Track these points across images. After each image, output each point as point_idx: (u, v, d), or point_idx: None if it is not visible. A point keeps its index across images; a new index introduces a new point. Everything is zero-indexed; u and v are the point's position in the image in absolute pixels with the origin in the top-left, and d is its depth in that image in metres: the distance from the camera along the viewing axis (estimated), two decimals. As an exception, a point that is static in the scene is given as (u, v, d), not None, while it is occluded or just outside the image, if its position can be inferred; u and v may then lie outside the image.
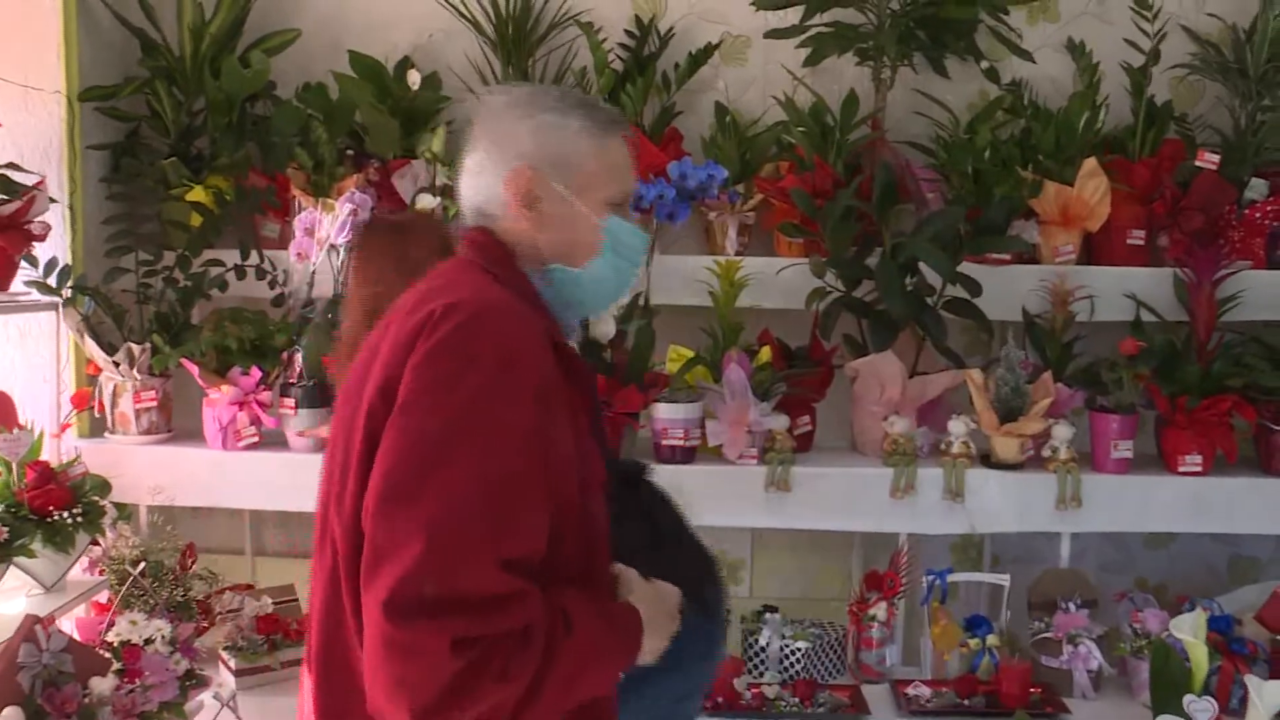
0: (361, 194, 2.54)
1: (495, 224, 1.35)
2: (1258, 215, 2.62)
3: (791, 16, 2.77)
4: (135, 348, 2.56)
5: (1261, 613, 2.47)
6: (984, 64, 2.82)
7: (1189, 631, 2.30)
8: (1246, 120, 2.75)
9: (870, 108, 2.79)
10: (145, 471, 2.58)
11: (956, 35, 2.79)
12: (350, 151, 2.81)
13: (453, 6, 2.86)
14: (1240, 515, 2.52)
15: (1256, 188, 2.66)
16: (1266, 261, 2.64)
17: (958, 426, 2.45)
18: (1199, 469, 2.49)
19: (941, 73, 2.82)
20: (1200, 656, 2.24)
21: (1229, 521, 2.54)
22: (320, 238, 2.57)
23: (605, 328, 2.48)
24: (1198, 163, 2.65)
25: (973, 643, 2.46)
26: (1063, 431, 2.45)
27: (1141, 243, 2.67)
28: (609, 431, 2.46)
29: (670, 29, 2.92)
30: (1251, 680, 2.13)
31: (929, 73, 2.83)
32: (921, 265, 2.52)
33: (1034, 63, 2.80)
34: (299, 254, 2.56)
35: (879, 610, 2.47)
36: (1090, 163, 2.62)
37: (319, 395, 2.54)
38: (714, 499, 2.42)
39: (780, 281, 2.63)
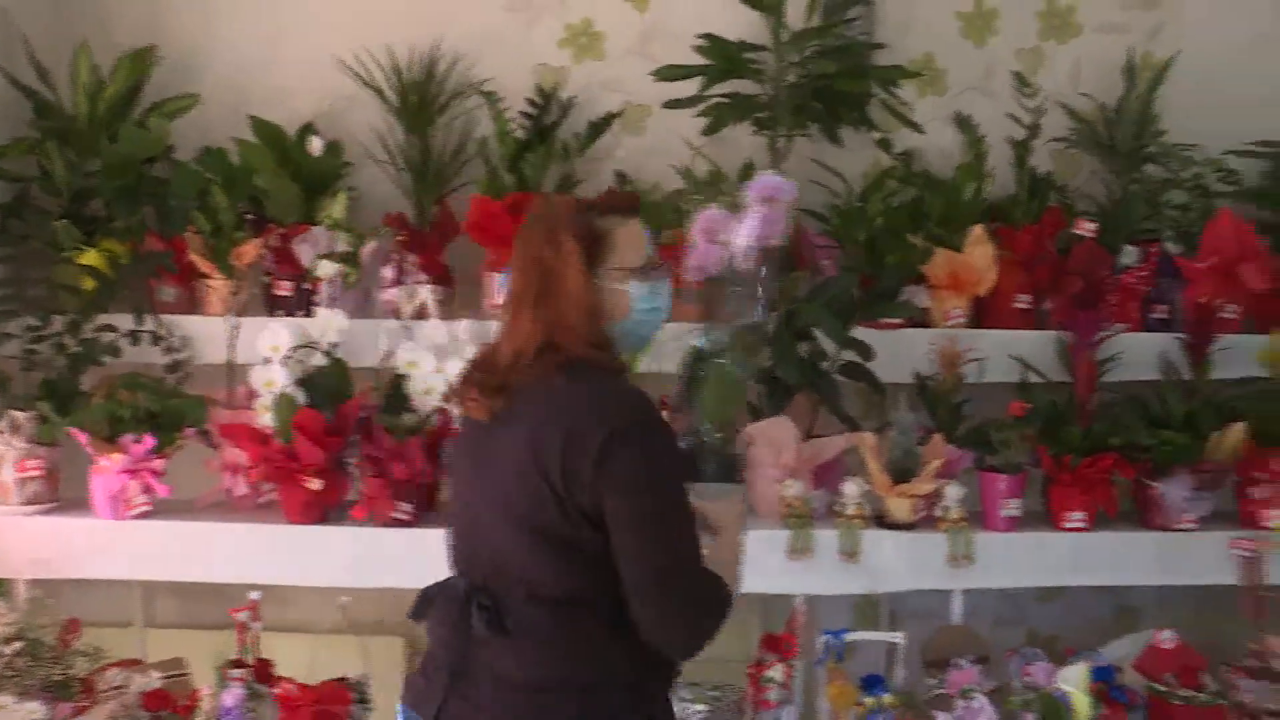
0: (777, 179, 2.06)
1: None
2: (1132, 280, 2.74)
3: (690, 87, 2.85)
4: (18, 415, 2.50)
5: (1139, 661, 2.55)
6: (877, 135, 2.93)
7: (1073, 683, 2.38)
8: (1120, 191, 2.89)
9: (767, 177, 2.86)
10: (26, 543, 2.50)
11: (849, 107, 2.88)
12: (250, 216, 2.79)
13: (356, 74, 2.89)
14: (1122, 568, 2.60)
15: (1130, 254, 2.78)
16: (1141, 324, 2.76)
17: (852, 488, 2.50)
18: (1083, 525, 2.57)
19: (836, 142, 2.91)
20: (1083, 707, 2.32)
21: (1112, 574, 2.62)
22: (729, 241, 2.10)
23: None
24: (1077, 231, 2.77)
25: (869, 701, 2.48)
26: (954, 491, 2.51)
27: (1027, 307, 2.77)
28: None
29: (572, 98, 2.97)
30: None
31: (825, 142, 2.92)
32: (816, 331, 2.58)
33: (924, 134, 2.92)
34: (698, 266, 2.08)
35: (776, 672, 2.48)
36: (978, 230, 2.72)
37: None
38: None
39: (679, 347, 2.67)
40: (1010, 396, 2.62)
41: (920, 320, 2.74)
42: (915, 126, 2.88)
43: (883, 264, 2.68)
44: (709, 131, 2.87)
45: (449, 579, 1.76)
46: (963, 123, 2.93)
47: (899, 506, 2.51)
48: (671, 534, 1.59)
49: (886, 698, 2.49)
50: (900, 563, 2.53)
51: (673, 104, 2.87)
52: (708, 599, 1.62)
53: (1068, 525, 2.57)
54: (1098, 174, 2.97)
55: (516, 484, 1.63)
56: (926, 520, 2.56)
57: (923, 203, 2.81)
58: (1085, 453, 2.50)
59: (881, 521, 2.55)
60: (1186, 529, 2.58)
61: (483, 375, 1.69)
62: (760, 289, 1.98)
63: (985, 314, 2.77)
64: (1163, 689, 2.48)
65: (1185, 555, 2.59)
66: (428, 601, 1.76)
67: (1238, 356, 2.68)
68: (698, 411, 1.96)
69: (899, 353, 2.65)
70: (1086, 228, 2.74)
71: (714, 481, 1.91)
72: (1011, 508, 2.56)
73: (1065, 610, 3.02)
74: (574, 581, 1.62)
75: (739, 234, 1.94)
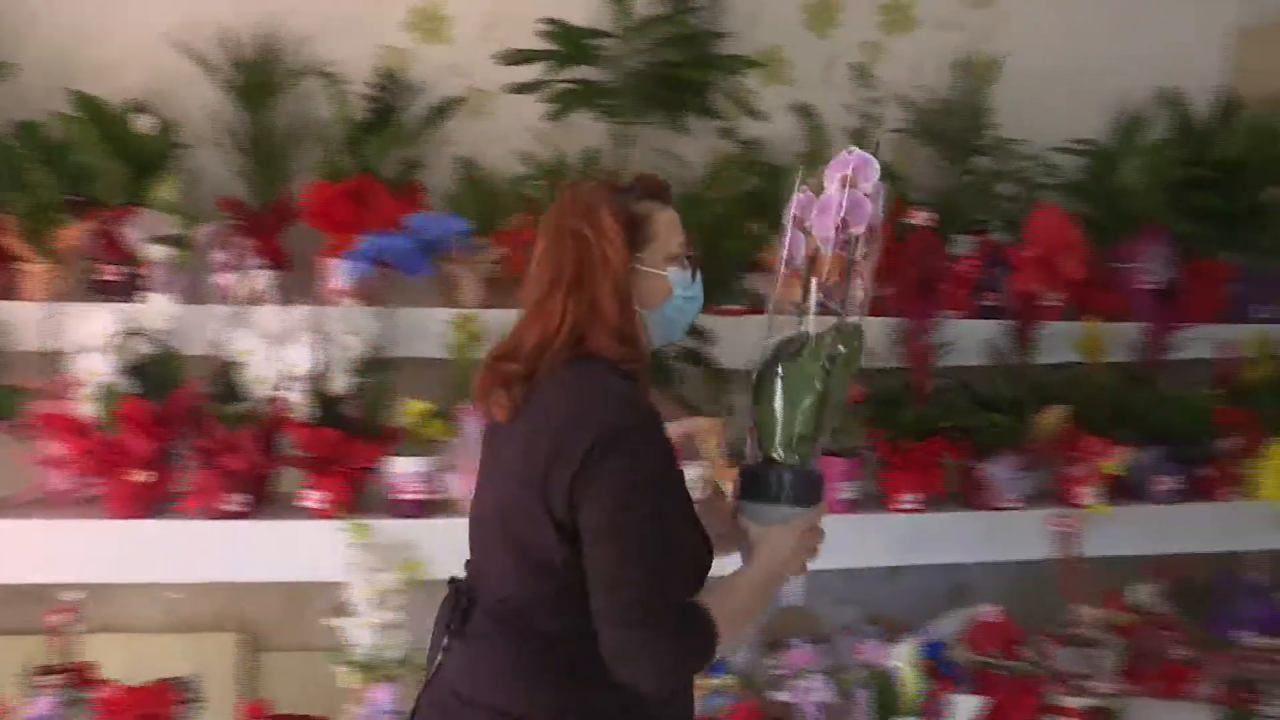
0: (853, 155, 1.70)
1: None
2: (964, 269, 2.84)
3: (536, 72, 2.83)
4: None
5: (965, 636, 2.65)
6: (721, 123, 2.96)
7: (903, 660, 2.45)
8: (954, 182, 2.99)
9: (612, 163, 2.87)
10: None
11: (694, 95, 2.91)
12: (74, 198, 2.67)
13: (189, 50, 2.78)
14: (953, 546, 2.70)
15: (962, 243, 2.87)
16: (972, 311, 2.85)
17: (691, 473, 2.51)
18: (916, 506, 2.65)
19: (680, 130, 2.93)
20: (911, 682, 2.39)
21: (944, 553, 2.72)
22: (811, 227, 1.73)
23: (338, 382, 2.44)
24: (912, 220, 2.84)
25: (709, 683, 2.52)
26: (790, 475, 2.56)
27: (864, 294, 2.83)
28: (346, 487, 2.44)
29: (416, 82, 2.92)
30: (950, 698, 2.30)
31: (670, 130, 2.93)
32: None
33: (768, 122, 2.96)
34: (786, 256, 1.75)
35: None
36: (816, 218, 2.77)
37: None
38: (456, 553, 2.41)
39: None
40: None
41: (760, 307, 2.77)
42: (758, 115, 2.92)
43: (723, 251, 2.71)
44: (554, 118, 2.86)
45: (456, 578, 1.70)
46: (804, 112, 2.98)
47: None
48: (650, 556, 1.46)
49: (726, 679, 2.54)
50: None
51: (517, 89, 2.85)
52: (685, 637, 1.48)
53: (901, 507, 2.65)
54: (933, 165, 3.06)
55: (507, 487, 1.58)
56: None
57: (764, 191, 2.85)
58: (918, 436, 2.57)
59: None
60: (1011, 507, 2.69)
61: (506, 367, 1.60)
62: (847, 283, 1.67)
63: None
64: (986, 660, 2.59)
65: (1010, 532, 2.70)
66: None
67: (1058, 342, 2.81)
68: (770, 423, 1.68)
69: (740, 338, 2.68)
70: (922, 217, 2.82)
71: (777, 504, 1.65)
72: (848, 490, 2.62)
73: (902, 590, 3.11)
74: (538, 601, 1.52)
75: (819, 220, 1.66)
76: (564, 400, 1.53)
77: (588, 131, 2.91)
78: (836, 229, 1.66)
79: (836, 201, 1.65)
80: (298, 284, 2.75)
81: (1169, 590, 2.98)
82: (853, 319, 1.69)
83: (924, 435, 2.57)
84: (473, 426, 2.44)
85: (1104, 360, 2.84)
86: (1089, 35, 3.32)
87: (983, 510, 2.70)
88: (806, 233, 1.71)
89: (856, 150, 1.69)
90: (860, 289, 1.69)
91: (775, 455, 1.69)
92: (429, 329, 2.61)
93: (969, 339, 2.78)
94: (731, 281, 2.70)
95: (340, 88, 2.79)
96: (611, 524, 1.46)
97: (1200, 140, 3.27)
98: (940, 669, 2.58)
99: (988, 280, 2.88)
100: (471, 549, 1.67)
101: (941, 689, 2.53)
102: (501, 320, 2.65)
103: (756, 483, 1.69)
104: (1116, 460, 2.67)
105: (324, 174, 2.74)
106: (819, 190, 1.70)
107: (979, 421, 2.60)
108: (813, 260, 1.70)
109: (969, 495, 2.72)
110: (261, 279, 2.63)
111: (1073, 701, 2.61)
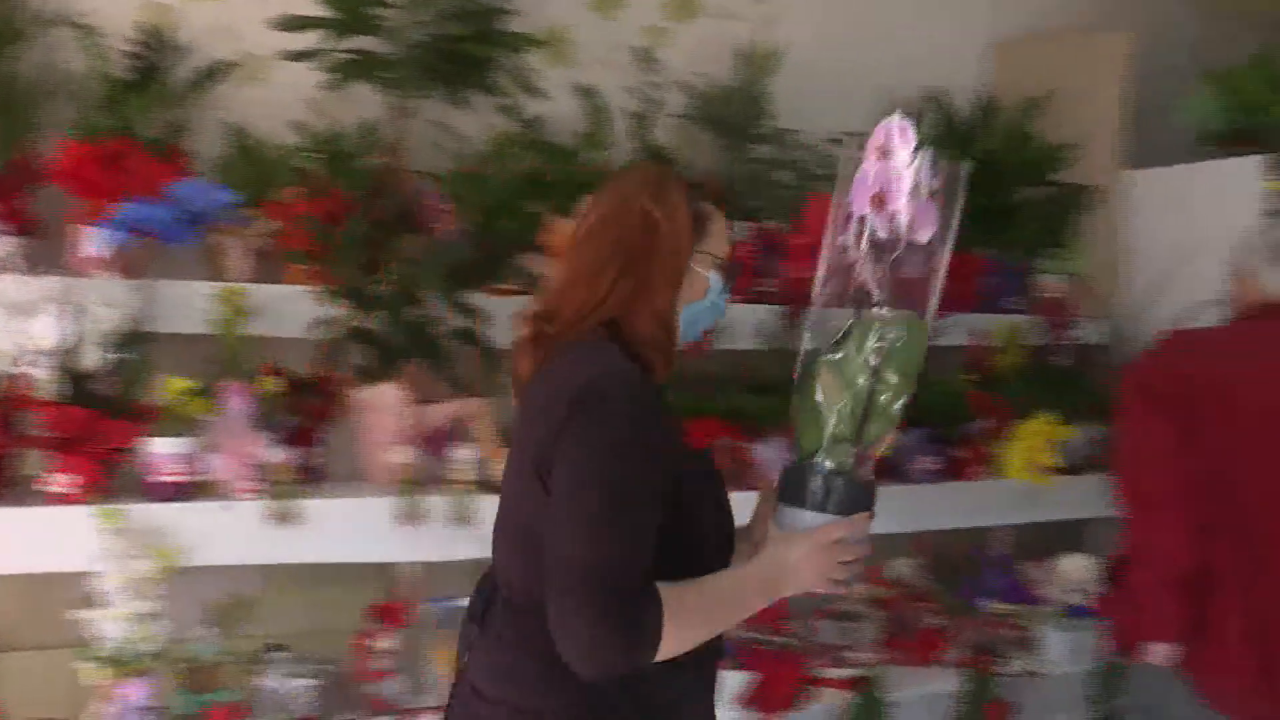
0: (895, 123, 1.50)
1: None
2: (742, 255, 2.90)
3: (313, 39, 2.73)
4: None
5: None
6: (503, 100, 2.92)
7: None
8: (734, 169, 3.05)
9: (391, 136, 2.80)
10: None
11: (476, 70, 2.86)
12: None
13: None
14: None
15: (739, 229, 2.93)
16: (747, 295, 2.92)
17: (463, 454, 2.50)
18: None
19: (461, 106, 2.88)
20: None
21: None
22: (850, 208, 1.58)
23: (90, 357, 2.30)
24: (689, 205, 2.88)
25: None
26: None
27: (640, 277, 2.86)
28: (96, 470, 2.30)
29: (184, 41, 2.77)
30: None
31: (451, 105, 2.88)
32: (430, 295, 2.55)
33: (550, 101, 2.94)
34: (840, 246, 1.59)
35: (385, 641, 2.46)
36: (596, 200, 2.78)
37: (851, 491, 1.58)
38: (216, 536, 2.32)
39: (292, 310, 2.56)
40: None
41: (537, 287, 2.77)
42: (540, 94, 2.90)
43: (500, 230, 2.69)
44: (331, 87, 2.76)
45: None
46: (587, 94, 2.99)
47: (511, 471, 2.53)
48: (596, 523, 1.38)
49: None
50: (514, 527, 2.56)
51: (292, 56, 2.74)
52: (620, 617, 1.36)
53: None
54: (713, 152, 3.12)
55: (512, 463, 1.55)
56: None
57: (544, 171, 2.84)
58: (690, 417, 2.62)
59: (492, 486, 2.56)
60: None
61: (544, 327, 1.58)
62: (884, 270, 1.48)
63: (602, 283, 2.84)
64: (754, 636, 2.67)
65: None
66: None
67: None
68: (806, 421, 1.55)
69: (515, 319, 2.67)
70: (698, 203, 2.86)
71: (813, 510, 1.52)
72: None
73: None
74: (530, 582, 1.45)
75: (855, 197, 1.50)
76: (564, 373, 1.49)
77: (366, 103, 2.83)
78: (873, 206, 1.49)
79: (870, 174, 1.48)
80: (46, 252, 2.57)
81: (926, 564, 3.15)
82: (906, 310, 1.53)
83: (697, 416, 2.61)
84: (237, 405, 2.34)
85: (869, 345, 2.96)
86: (863, 34, 3.47)
87: (753, 490, 2.76)
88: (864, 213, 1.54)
89: (895, 117, 1.49)
90: (908, 275, 1.49)
91: (812, 456, 1.56)
92: (192, 303, 2.48)
93: (744, 323, 2.85)
94: (508, 261, 2.67)
95: (95, 40, 2.62)
96: (567, 485, 1.41)
97: (962, 139, 3.45)
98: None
99: (763, 266, 2.96)
100: (494, 535, 1.62)
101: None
102: (270, 294, 2.58)
103: (787, 484, 1.58)
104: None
105: (77, 133, 2.56)
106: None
107: (750, 404, 2.67)
108: (861, 244, 1.53)
109: (741, 475, 2.79)
110: (3, 245, 2.45)
111: (834, 672, 2.73)
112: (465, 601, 2.55)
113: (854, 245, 1.54)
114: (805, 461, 1.57)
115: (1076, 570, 3.19)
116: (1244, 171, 3.25)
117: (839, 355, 1.53)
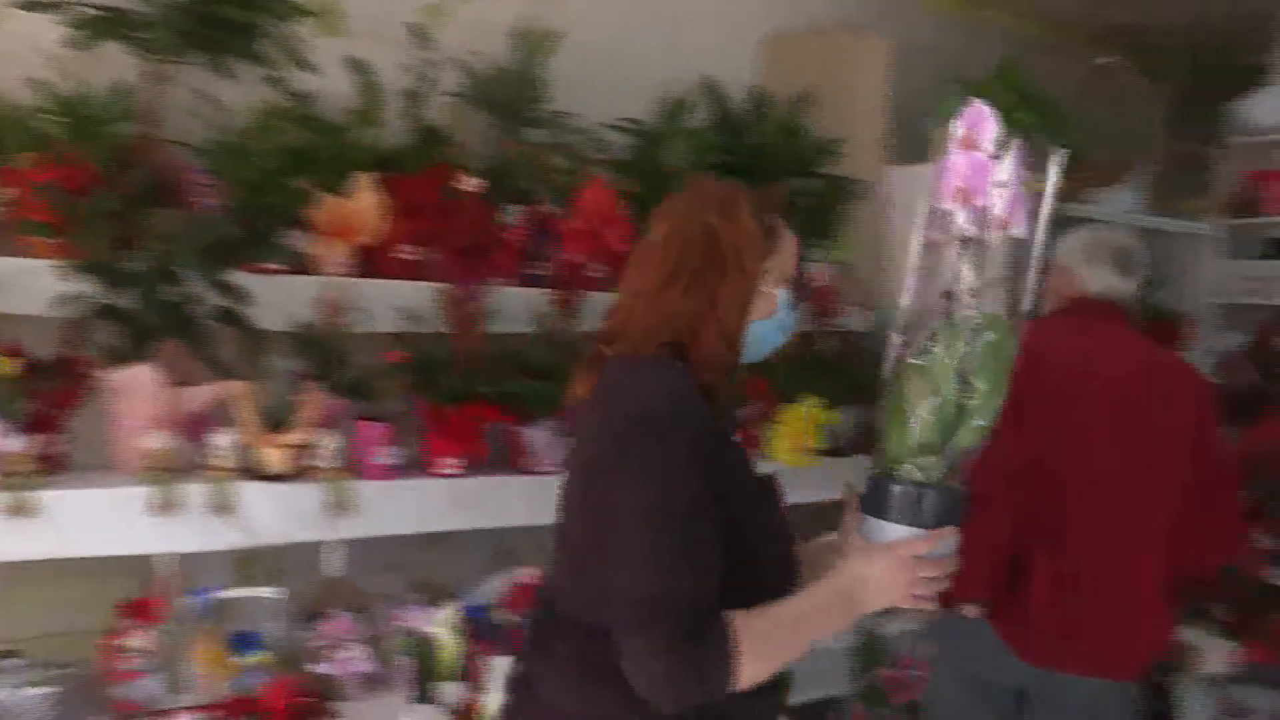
0: (979, 109, 1.42)
1: None
2: (513, 237, 2.88)
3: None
4: None
5: (506, 598, 2.72)
6: (270, 71, 2.79)
7: (444, 625, 2.47)
8: (506, 151, 3.03)
9: (146, 102, 2.63)
10: None
11: (238, 37, 2.72)
12: None
13: None
14: (496, 510, 2.74)
15: (512, 212, 2.92)
16: (520, 279, 2.91)
17: (222, 439, 2.38)
18: (458, 470, 2.66)
19: (223, 74, 2.73)
20: (450, 645, 2.41)
21: (488, 517, 2.75)
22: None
23: None
24: (463, 186, 2.84)
25: (241, 661, 2.41)
26: (330, 441, 2.49)
27: (412, 258, 2.80)
28: None
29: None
30: (488, 660, 2.35)
31: (214, 73, 2.73)
32: (187, 272, 2.42)
33: (318, 74, 2.83)
34: (928, 243, 1.46)
35: (138, 639, 2.32)
36: (366, 178, 2.70)
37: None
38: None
39: (32, 284, 2.37)
40: (393, 346, 2.64)
41: (303, 267, 2.67)
42: (308, 66, 2.79)
43: (265, 206, 2.57)
44: (76, 46, 2.57)
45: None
46: (358, 67, 2.89)
47: (272, 457, 2.44)
48: (658, 554, 1.36)
49: (260, 656, 2.43)
50: (277, 515, 2.46)
51: (31, 7, 2.53)
52: (689, 648, 1.35)
53: (443, 471, 2.65)
54: (488, 133, 3.08)
55: (568, 486, 1.55)
56: (304, 471, 2.51)
57: (312, 146, 2.74)
58: (460, 401, 2.59)
59: (255, 473, 2.46)
60: (551, 471, 2.77)
61: (604, 350, 1.58)
62: (972, 267, 1.39)
63: (371, 263, 2.76)
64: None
65: (551, 495, 2.76)
66: None
67: (601, 312, 2.91)
68: (890, 427, 1.49)
69: (279, 299, 2.56)
70: (471, 183, 2.83)
71: (897, 521, 1.47)
72: (389, 455, 2.59)
73: (447, 556, 3.13)
74: (591, 604, 1.46)
75: (937, 190, 1.42)
76: (616, 395, 1.49)
77: (117, 64, 2.65)
78: (958, 200, 1.40)
79: (952, 165, 1.41)
80: None
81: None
82: (993, 310, 1.44)
83: (467, 400, 2.58)
84: None
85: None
86: (641, 21, 3.50)
87: (525, 474, 2.76)
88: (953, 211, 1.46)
89: (976, 103, 1.42)
90: (999, 273, 1.40)
91: (895, 466, 1.50)
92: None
93: (516, 306, 2.83)
94: (273, 239, 2.57)
95: None
96: (623, 517, 1.39)
97: (735, 130, 3.53)
98: (481, 632, 2.63)
99: (536, 249, 2.95)
100: (554, 553, 1.64)
101: (482, 651, 2.57)
102: (9, 268, 2.37)
103: (871, 493, 1.53)
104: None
105: None
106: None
107: (521, 387, 2.66)
108: (957, 241, 1.45)
109: (512, 459, 2.78)
110: None
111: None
112: (227, 593, 2.49)
113: (939, 241, 1.49)
114: (890, 470, 1.52)
115: (837, 548, 3.33)
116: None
117: (926, 359, 1.47)
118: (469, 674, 2.51)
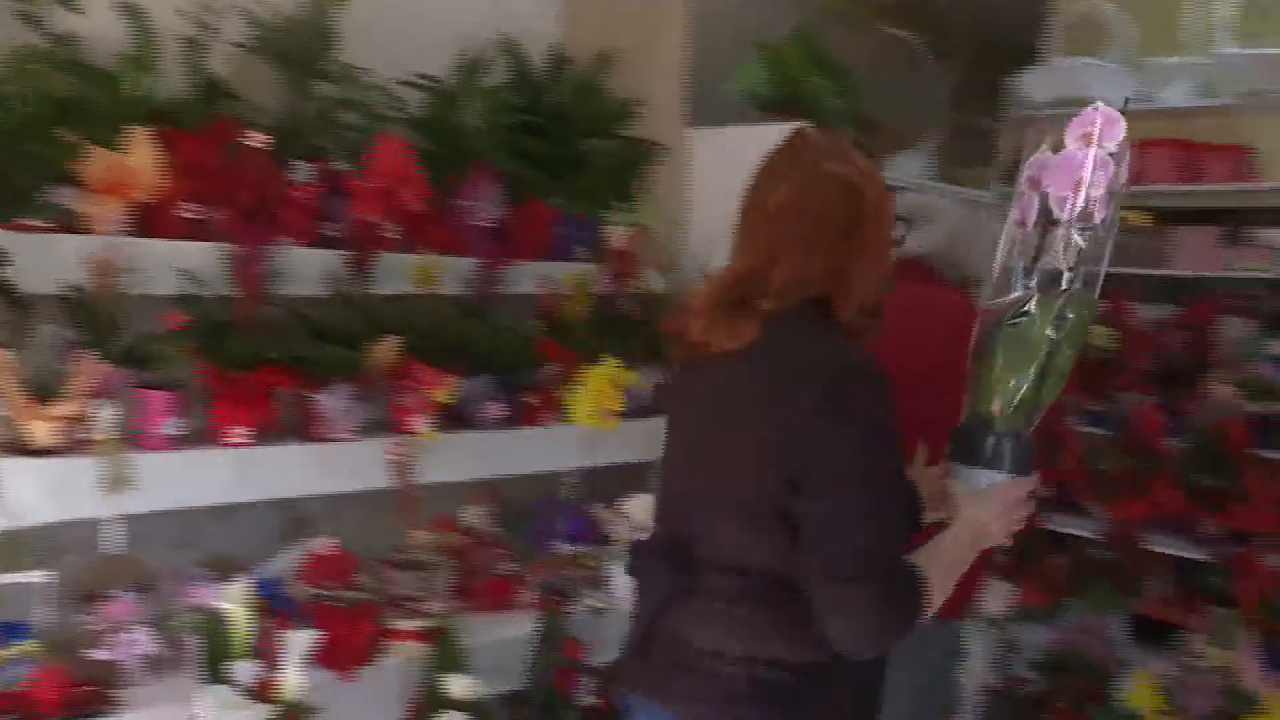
0: (1098, 111, 1.58)
1: None
2: (303, 196, 2.76)
3: None
4: None
5: (300, 571, 2.63)
6: (26, 8, 2.56)
7: (234, 601, 2.36)
8: (296, 106, 2.89)
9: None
10: None
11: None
12: None
13: None
14: (289, 480, 2.63)
15: (302, 170, 2.79)
16: (312, 240, 2.78)
17: (-17, 412, 2.20)
18: (248, 439, 2.54)
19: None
20: (240, 622, 2.31)
21: (280, 487, 2.64)
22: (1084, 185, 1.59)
23: None
24: (248, 141, 2.70)
25: (4, 653, 2.24)
26: (106, 411, 2.33)
27: (193, 216, 2.64)
28: None
29: None
30: (283, 634, 2.27)
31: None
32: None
33: (85, 16, 2.62)
34: (1020, 220, 1.66)
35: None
36: (141, 131, 2.53)
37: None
38: None
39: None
40: (173, 309, 2.49)
41: (72, 225, 2.48)
42: (73, 6, 2.58)
43: (25, 158, 2.37)
44: None
45: (653, 533, 1.73)
46: (131, 11, 2.69)
47: (39, 431, 2.26)
48: (871, 509, 1.47)
49: (27, 644, 2.27)
50: (47, 493, 2.29)
51: None
52: (900, 595, 1.49)
53: (232, 440, 2.53)
54: (276, 86, 2.93)
55: (724, 434, 1.56)
56: (77, 444, 2.35)
57: (80, 94, 2.54)
58: (248, 367, 2.47)
59: (20, 448, 2.28)
60: (346, 438, 2.69)
61: (756, 301, 1.58)
62: (1081, 249, 1.58)
63: (148, 222, 2.58)
64: (322, 593, 2.58)
65: (347, 463, 2.70)
66: (636, 556, 1.70)
67: (395, 274, 2.84)
68: (987, 385, 1.64)
69: (45, 260, 2.38)
70: (258, 139, 2.68)
71: (989, 469, 1.65)
72: (172, 426, 2.45)
73: (237, 529, 2.99)
74: (764, 552, 1.53)
75: (1056, 179, 1.58)
76: (798, 348, 1.54)
77: None
78: (1075, 190, 1.57)
79: (1077, 160, 1.56)
80: None
81: (496, 510, 3.19)
82: (1080, 287, 1.62)
83: (255, 366, 2.46)
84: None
85: (438, 292, 2.93)
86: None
87: (318, 442, 2.66)
88: (1043, 195, 1.63)
89: (1102, 105, 1.57)
90: (1094, 256, 1.59)
91: (990, 419, 1.66)
92: None
93: (307, 268, 2.71)
94: (35, 194, 2.37)
95: None
96: (837, 475, 1.46)
97: (534, 90, 3.48)
98: (275, 606, 2.53)
99: (328, 209, 2.83)
100: (674, 501, 1.69)
101: (276, 627, 2.47)
102: None
103: (969, 445, 1.68)
104: (447, 389, 2.77)
105: None
106: (1058, 149, 1.60)
107: (313, 352, 2.55)
108: (1047, 223, 1.62)
109: (304, 427, 2.67)
110: None
111: (407, 624, 2.70)
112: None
113: (1039, 222, 1.65)
114: (982, 423, 1.68)
115: (642, 510, 3.36)
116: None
117: (1022, 326, 1.63)
118: (263, 651, 2.40)
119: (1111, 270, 1.65)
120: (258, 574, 2.59)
